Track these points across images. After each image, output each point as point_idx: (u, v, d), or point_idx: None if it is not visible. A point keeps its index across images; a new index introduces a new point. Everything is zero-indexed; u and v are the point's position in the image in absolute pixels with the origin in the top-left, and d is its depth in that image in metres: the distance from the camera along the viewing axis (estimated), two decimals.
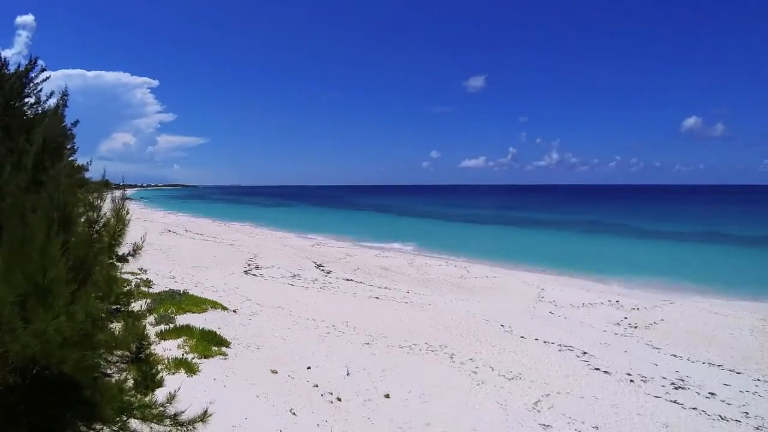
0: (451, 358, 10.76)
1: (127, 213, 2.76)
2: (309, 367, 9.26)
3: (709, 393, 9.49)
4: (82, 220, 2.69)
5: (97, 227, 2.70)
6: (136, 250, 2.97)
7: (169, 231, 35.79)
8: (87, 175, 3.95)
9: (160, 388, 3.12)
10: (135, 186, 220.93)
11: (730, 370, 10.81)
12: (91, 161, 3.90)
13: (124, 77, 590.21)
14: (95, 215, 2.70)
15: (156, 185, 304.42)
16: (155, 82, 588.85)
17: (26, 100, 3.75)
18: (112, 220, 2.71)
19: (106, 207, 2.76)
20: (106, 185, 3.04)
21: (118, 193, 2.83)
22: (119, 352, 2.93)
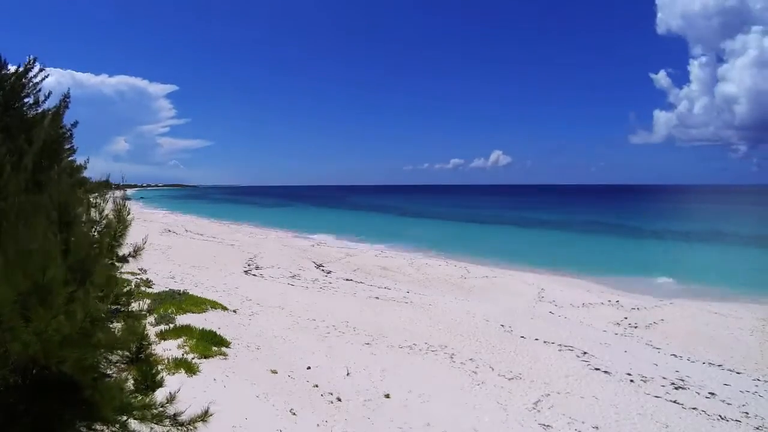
0: (451, 358, 10.76)
1: (129, 214, 2.76)
2: (309, 367, 9.26)
3: (709, 393, 9.49)
4: (83, 220, 2.69)
5: (98, 228, 2.70)
6: (137, 251, 2.97)
7: (169, 231, 35.76)
8: (87, 175, 3.94)
9: (160, 388, 3.12)
10: (135, 186, 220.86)
11: (730, 370, 10.81)
12: (87, 159, 3.87)
13: (142, 83, 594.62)
14: (97, 215, 2.70)
15: (156, 185, 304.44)
16: (174, 87, 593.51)
17: (25, 100, 3.74)
18: (114, 220, 2.71)
19: (108, 207, 2.76)
20: (105, 185, 3.03)
21: (119, 193, 2.83)
22: (119, 352, 2.93)
